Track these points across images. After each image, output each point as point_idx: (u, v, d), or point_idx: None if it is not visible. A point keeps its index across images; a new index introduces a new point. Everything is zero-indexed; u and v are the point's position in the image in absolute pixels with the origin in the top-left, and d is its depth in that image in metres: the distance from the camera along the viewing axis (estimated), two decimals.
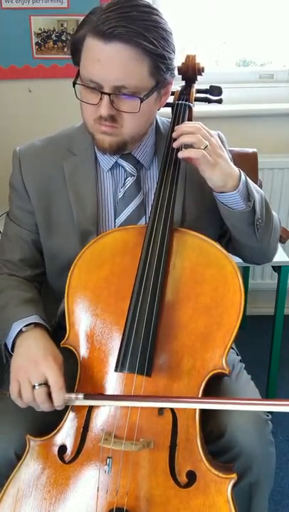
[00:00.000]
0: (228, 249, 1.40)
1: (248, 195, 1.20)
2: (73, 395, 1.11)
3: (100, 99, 1.14)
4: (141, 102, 1.15)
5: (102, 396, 1.13)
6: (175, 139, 1.20)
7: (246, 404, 1.11)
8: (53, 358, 1.12)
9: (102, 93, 1.13)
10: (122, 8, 1.11)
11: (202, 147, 1.15)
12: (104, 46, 1.10)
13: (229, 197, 1.19)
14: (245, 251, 1.35)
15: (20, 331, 1.18)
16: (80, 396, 1.11)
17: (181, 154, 1.18)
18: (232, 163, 1.22)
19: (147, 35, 1.11)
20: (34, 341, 1.16)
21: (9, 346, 1.20)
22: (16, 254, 1.35)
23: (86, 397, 1.11)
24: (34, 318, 1.20)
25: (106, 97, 1.13)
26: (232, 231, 1.28)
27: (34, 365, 1.11)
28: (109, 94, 1.13)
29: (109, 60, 1.11)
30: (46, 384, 1.09)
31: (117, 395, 1.13)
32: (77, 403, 1.12)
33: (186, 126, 1.20)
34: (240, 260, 1.37)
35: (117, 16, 1.09)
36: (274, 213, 1.34)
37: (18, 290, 1.28)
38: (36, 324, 1.19)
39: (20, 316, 1.20)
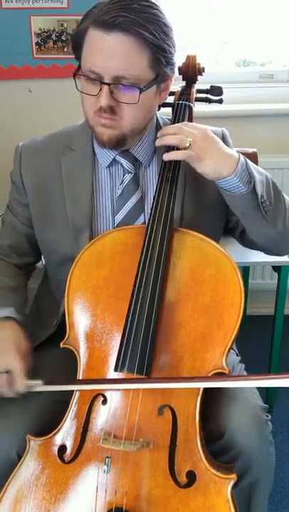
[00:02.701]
0: (245, 244, 1.39)
1: (250, 178, 1.18)
2: (33, 381, 1.16)
3: (100, 89, 1.15)
4: (140, 92, 1.15)
5: (60, 381, 1.17)
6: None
7: (252, 380, 1.10)
8: (16, 348, 1.18)
9: (102, 83, 1.14)
10: (123, 0, 1.13)
11: (187, 145, 1.15)
12: (105, 36, 1.12)
13: (228, 182, 1.17)
14: (262, 240, 1.30)
15: None
16: (39, 382, 1.16)
17: (165, 157, 1.19)
18: (228, 149, 1.20)
19: (148, 26, 1.12)
20: (4, 333, 1.22)
21: None
22: (6, 240, 1.43)
23: (45, 382, 1.16)
24: (8, 312, 1.26)
25: (106, 88, 1.14)
26: (242, 221, 1.26)
27: None
28: (108, 85, 1.14)
29: (111, 50, 1.12)
30: (7, 372, 1.16)
31: (78, 380, 1.16)
32: (38, 389, 1.16)
33: (169, 127, 1.20)
34: (240, 260, 1.37)
35: (118, 7, 1.12)
36: (287, 197, 1.30)
37: (3, 276, 1.37)
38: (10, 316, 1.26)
39: None
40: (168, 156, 1.18)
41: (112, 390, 1.12)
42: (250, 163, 1.20)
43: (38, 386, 1.16)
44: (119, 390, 1.11)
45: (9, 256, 1.42)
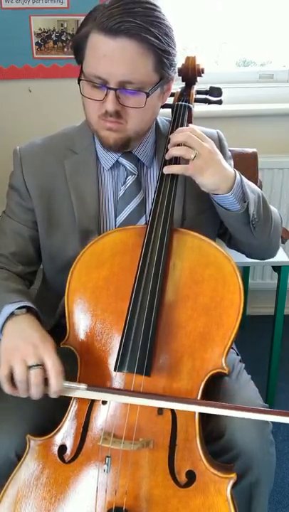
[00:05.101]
0: (230, 245, 1.42)
1: (244, 196, 1.21)
2: (74, 384, 1.09)
3: (106, 95, 1.15)
4: (147, 96, 1.16)
5: (106, 389, 1.12)
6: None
7: (248, 412, 1.09)
8: (51, 344, 1.09)
9: (108, 88, 1.14)
10: (126, 4, 1.12)
11: (192, 156, 1.16)
12: (110, 42, 1.11)
13: (223, 198, 1.20)
14: (245, 247, 1.38)
15: (12, 314, 1.14)
16: (83, 386, 1.08)
17: (165, 171, 1.20)
18: (227, 165, 1.22)
19: (153, 30, 1.12)
20: (28, 325, 1.12)
21: None
22: (9, 248, 1.34)
23: (89, 388, 1.08)
24: (26, 303, 1.17)
25: (112, 93, 1.14)
26: (230, 229, 1.30)
27: (32, 347, 1.07)
28: (115, 90, 1.14)
29: (116, 55, 1.12)
30: (43, 366, 1.06)
31: (121, 389, 1.12)
32: (77, 394, 1.10)
33: (178, 135, 1.20)
34: (240, 260, 1.38)
35: (121, 12, 1.10)
36: (274, 209, 1.35)
37: (8, 281, 1.27)
38: (28, 310, 1.17)
39: (11, 300, 1.16)
40: (167, 171, 1.20)
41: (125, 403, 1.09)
42: (245, 181, 1.24)
43: (80, 391, 1.07)
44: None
45: (12, 265, 1.33)
